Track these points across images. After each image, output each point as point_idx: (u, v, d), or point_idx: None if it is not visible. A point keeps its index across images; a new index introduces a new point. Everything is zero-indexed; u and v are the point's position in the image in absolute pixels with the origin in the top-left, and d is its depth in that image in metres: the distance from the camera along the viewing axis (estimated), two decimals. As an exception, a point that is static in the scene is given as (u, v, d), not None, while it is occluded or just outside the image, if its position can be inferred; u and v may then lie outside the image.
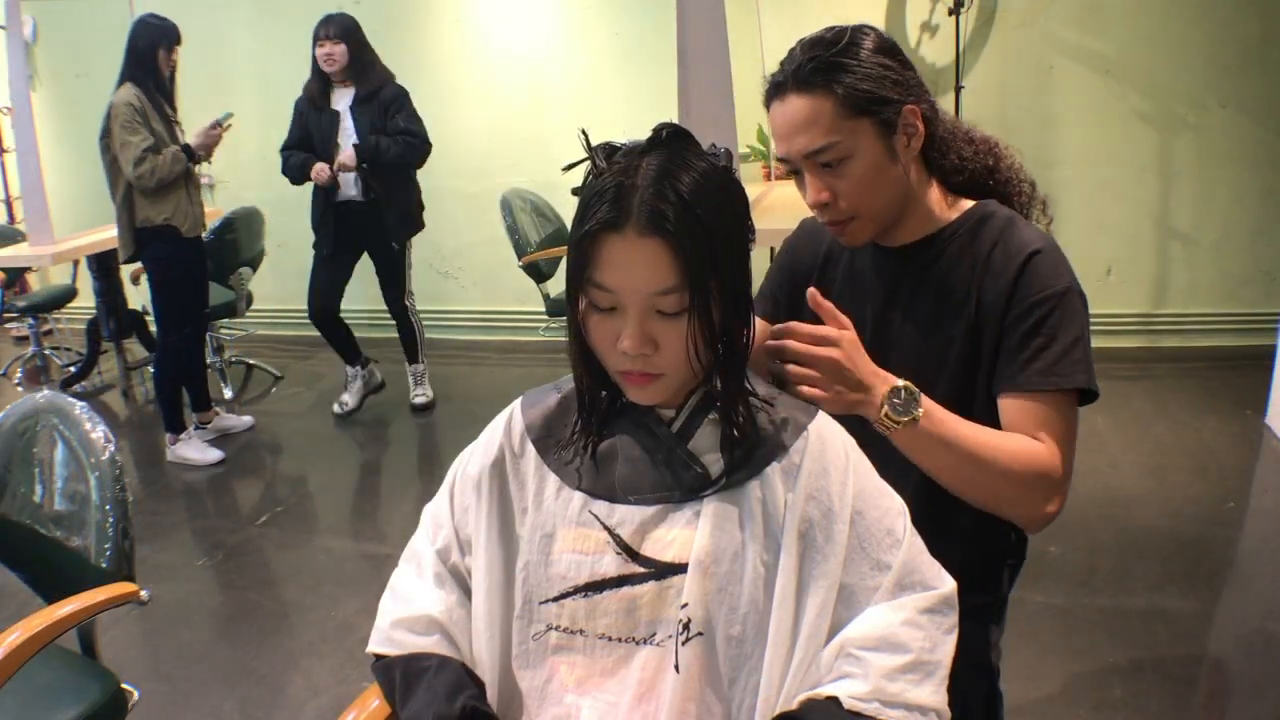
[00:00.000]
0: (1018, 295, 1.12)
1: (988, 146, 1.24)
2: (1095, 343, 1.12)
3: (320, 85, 3.78)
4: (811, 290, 1.07)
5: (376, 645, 0.99)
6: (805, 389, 1.01)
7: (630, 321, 0.85)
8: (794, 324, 1.05)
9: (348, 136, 3.75)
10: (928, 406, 1.03)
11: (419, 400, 4.14)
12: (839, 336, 1.02)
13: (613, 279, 0.84)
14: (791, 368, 1.02)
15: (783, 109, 1.14)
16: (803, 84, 1.11)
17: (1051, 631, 2.30)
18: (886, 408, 1.01)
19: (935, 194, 1.21)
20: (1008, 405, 1.11)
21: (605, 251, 0.84)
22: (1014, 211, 1.21)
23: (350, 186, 3.78)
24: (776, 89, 1.14)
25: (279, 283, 5.27)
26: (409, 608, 0.98)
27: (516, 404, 1.04)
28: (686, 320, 0.85)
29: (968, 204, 1.21)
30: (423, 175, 3.93)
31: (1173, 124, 4.04)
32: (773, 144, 1.19)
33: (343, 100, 3.78)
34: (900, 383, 1.03)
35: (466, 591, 0.99)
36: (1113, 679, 2.12)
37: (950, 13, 3.95)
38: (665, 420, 0.95)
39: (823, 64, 1.10)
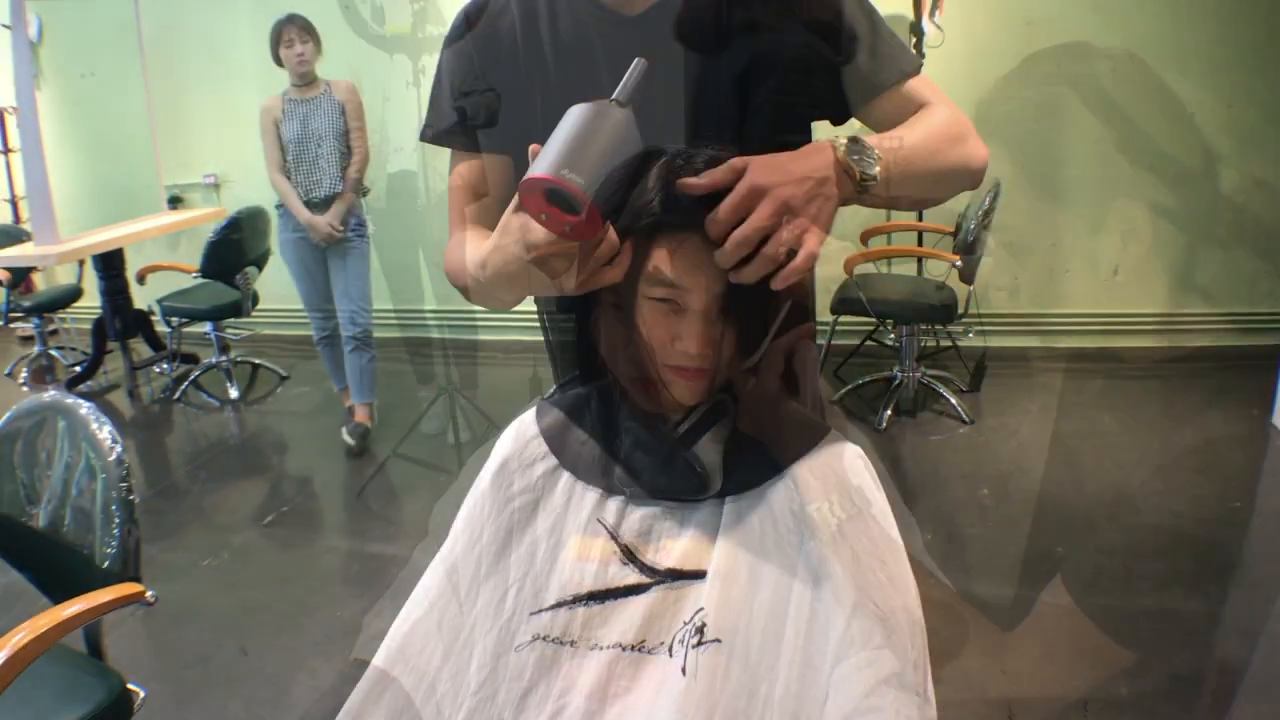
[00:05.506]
0: (796, 10, 1.01)
1: None
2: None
3: None
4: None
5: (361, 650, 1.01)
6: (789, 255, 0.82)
7: (696, 321, 0.85)
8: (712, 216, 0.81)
9: None
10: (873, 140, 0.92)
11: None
12: (742, 166, 0.81)
13: (679, 275, 0.84)
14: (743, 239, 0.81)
15: None
16: None
17: (1058, 631, 2.29)
18: (854, 168, 0.88)
19: None
20: (878, 110, 1.05)
21: (668, 247, 0.84)
22: None
23: None
24: None
25: (285, 282, 5.25)
26: (406, 620, 0.99)
27: (531, 410, 1.04)
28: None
29: None
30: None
31: (1180, 123, 4.02)
32: None
33: None
34: (834, 142, 0.88)
35: (472, 599, 0.99)
36: (1119, 679, 2.11)
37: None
38: (673, 422, 0.94)
39: None
